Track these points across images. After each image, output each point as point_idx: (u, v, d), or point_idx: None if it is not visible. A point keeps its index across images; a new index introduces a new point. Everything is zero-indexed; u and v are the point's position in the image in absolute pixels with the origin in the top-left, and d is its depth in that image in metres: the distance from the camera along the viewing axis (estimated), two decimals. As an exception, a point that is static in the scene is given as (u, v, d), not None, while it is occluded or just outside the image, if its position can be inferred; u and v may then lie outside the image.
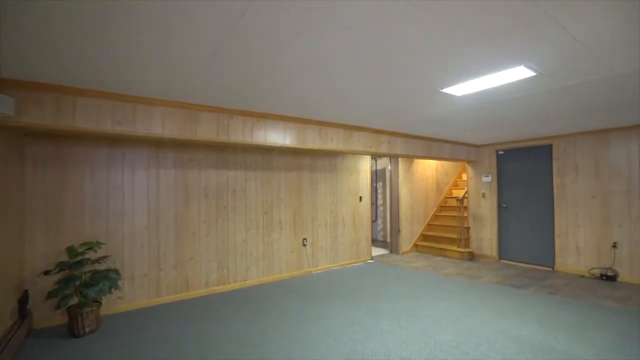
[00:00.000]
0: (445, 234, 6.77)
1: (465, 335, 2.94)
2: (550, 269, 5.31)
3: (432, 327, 3.14)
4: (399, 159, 6.55)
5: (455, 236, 6.41)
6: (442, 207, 7.45)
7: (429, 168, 7.24)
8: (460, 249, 6.13)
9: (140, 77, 2.43)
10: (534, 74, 2.36)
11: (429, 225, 7.15)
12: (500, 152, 6.05)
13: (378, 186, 8.44)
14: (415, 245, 6.86)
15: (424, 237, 7.00)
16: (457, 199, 6.33)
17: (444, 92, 2.78)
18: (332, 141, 4.11)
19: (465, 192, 6.57)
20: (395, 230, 6.61)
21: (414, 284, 4.51)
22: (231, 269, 4.32)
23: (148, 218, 3.74)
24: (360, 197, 5.85)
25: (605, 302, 3.74)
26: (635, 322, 3.18)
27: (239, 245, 4.40)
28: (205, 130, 3.33)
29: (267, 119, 3.63)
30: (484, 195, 6.26)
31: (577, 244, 5.06)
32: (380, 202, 8.37)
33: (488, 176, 6.17)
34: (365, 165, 5.95)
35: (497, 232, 6.04)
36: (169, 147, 3.88)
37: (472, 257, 6.11)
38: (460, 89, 2.70)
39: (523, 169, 5.74)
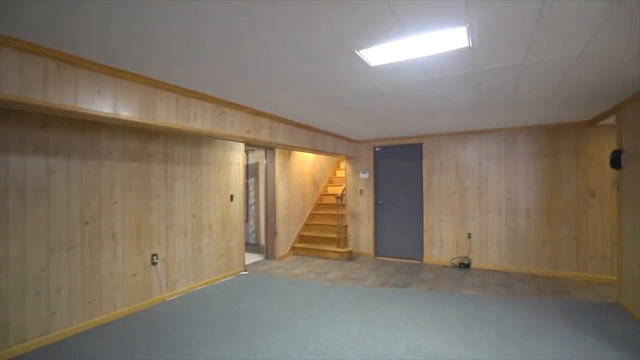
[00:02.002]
0: (323, 233, 6.40)
1: (373, 368, 2.37)
2: (419, 262, 5.55)
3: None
4: (276, 152, 5.77)
5: (333, 235, 6.10)
6: (319, 205, 7.10)
7: (306, 163, 6.74)
8: (339, 249, 5.83)
9: None
10: (467, 45, 1.92)
11: (306, 225, 6.67)
12: (377, 149, 6.05)
13: (250, 182, 7.47)
14: (293, 248, 6.24)
15: (301, 238, 6.45)
16: (336, 196, 6.03)
17: (359, 57, 2.09)
18: (197, 119, 2.93)
19: (344, 189, 6.36)
20: (272, 232, 5.82)
21: (299, 298, 3.79)
22: (13, 321, 2.58)
23: None
24: (232, 196, 4.78)
25: (470, 292, 3.92)
26: (501, 310, 3.33)
27: (32, 280, 2.69)
28: None
29: (79, 67, 2.17)
30: (361, 192, 6.16)
31: (441, 237, 5.41)
32: (252, 200, 7.42)
33: (366, 173, 6.09)
34: (238, 157, 4.90)
35: (373, 230, 6.02)
36: None
37: (351, 256, 5.90)
38: (378, 55, 2.06)
39: (398, 166, 5.86)
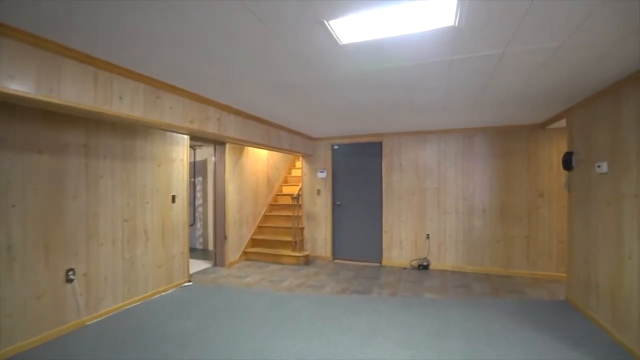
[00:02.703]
0: (278, 236, 5.98)
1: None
2: (378, 265, 5.38)
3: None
4: (226, 148, 5.23)
5: (289, 239, 5.71)
6: (274, 206, 6.66)
7: (259, 161, 6.26)
8: (295, 253, 5.46)
9: None
10: (452, 24, 1.67)
11: (260, 227, 6.19)
12: (336, 147, 5.78)
13: (197, 182, 6.79)
14: (245, 253, 5.74)
15: (254, 242, 5.96)
16: (292, 196, 5.65)
17: (328, 30, 1.74)
18: (123, 102, 2.36)
19: (300, 189, 5.99)
20: (221, 236, 5.26)
21: (252, 312, 3.35)
22: None
23: None
24: (174, 197, 4.17)
25: (432, 295, 3.80)
26: (464, 314, 3.22)
27: None
28: None
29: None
30: (319, 193, 5.85)
31: (400, 238, 5.30)
32: (200, 201, 6.76)
33: (323, 172, 5.78)
34: (181, 152, 4.29)
35: (331, 232, 5.74)
36: None
37: (308, 260, 5.56)
38: (350, 29, 1.73)
39: (356, 165, 5.64)
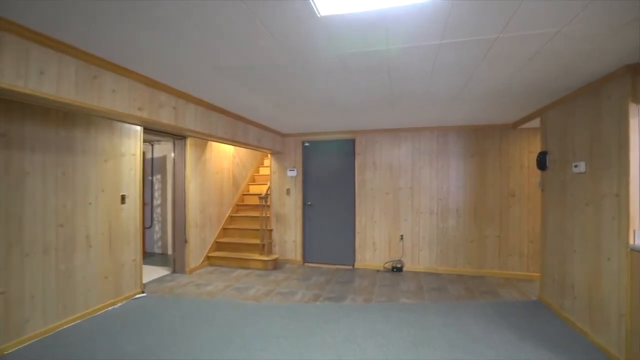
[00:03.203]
0: (244, 239, 5.57)
1: None
2: (351, 267, 5.15)
3: None
4: (187, 142, 4.75)
5: (257, 241, 5.33)
6: (240, 207, 6.23)
7: (225, 158, 5.82)
8: (263, 257, 5.09)
9: None
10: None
11: (225, 230, 5.75)
12: (306, 144, 5.48)
13: (156, 180, 6.22)
14: (209, 258, 5.28)
15: (219, 245, 5.51)
16: (260, 196, 5.27)
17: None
18: (46, 79, 1.89)
19: (268, 189, 5.63)
20: (181, 240, 4.78)
21: (215, 328, 2.96)
22: None
23: None
24: (123, 197, 3.66)
25: (408, 300, 3.62)
26: (443, 321, 3.06)
27: None
28: None
29: None
30: (288, 192, 5.52)
31: (373, 240, 5.10)
32: (158, 201, 6.19)
33: (293, 170, 5.46)
34: (134, 146, 3.78)
35: (301, 233, 5.43)
36: None
37: (276, 264, 5.21)
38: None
39: (328, 163, 5.38)
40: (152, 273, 4.71)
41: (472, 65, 2.37)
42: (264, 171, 7.03)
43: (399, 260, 4.96)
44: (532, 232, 4.52)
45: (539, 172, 4.48)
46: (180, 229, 4.77)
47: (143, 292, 3.82)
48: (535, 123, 4.25)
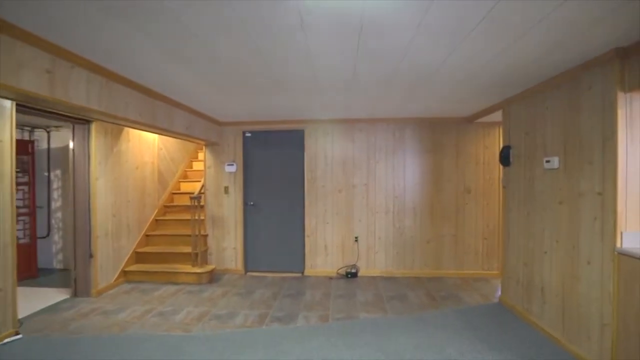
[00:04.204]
0: (174, 248, 4.65)
1: None
2: (300, 275, 4.57)
3: None
4: (93, 129, 3.71)
5: (188, 250, 4.46)
6: (168, 209, 5.25)
7: (147, 150, 4.79)
8: (196, 269, 4.25)
9: None
10: None
11: (148, 237, 4.75)
12: (248, 134, 4.73)
13: (55, 177, 4.94)
14: (125, 273, 4.26)
15: (139, 257, 4.51)
16: (191, 196, 4.40)
17: None
18: None
19: (202, 187, 4.76)
20: (84, 254, 3.72)
21: (119, 382, 2.14)
22: None
23: None
24: (-14, 202, 2.57)
25: (369, 315, 3.17)
26: (413, 341, 2.65)
27: None
28: None
29: None
30: (226, 191, 4.72)
31: (325, 243, 4.58)
32: (58, 203, 4.93)
33: (232, 165, 4.68)
34: (3, 129, 2.70)
35: (242, 238, 4.68)
36: None
37: (212, 277, 4.41)
38: None
39: (274, 157, 4.70)
40: (42, 299, 3.59)
41: (459, 36, 1.92)
42: (199, 166, 6.07)
43: (354, 265, 4.51)
44: (487, 230, 4.40)
45: (494, 168, 4.36)
46: (84, 239, 3.72)
47: (17, 334, 2.76)
48: (492, 117, 4.10)
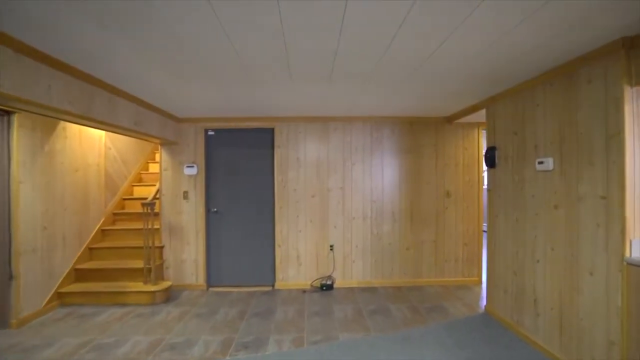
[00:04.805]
0: (122, 262, 4.02)
1: None
2: (271, 289, 4.12)
3: None
4: (15, 122, 3.05)
5: (140, 265, 3.86)
6: (118, 217, 4.59)
7: (91, 149, 4.13)
8: (149, 287, 3.67)
9: None
10: None
11: (92, 250, 4.07)
12: (211, 133, 4.22)
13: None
14: (60, 296, 3.58)
15: (80, 274, 3.84)
16: (143, 202, 3.81)
17: None
18: None
19: (157, 192, 4.18)
20: (2, 275, 3.03)
21: None
22: None
23: None
24: None
25: (350, 334, 2.81)
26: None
27: None
28: None
29: None
30: (186, 196, 4.17)
31: (298, 253, 4.17)
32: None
33: (193, 166, 4.14)
34: None
35: (204, 249, 4.15)
36: None
37: (169, 295, 3.84)
38: None
39: (240, 158, 4.22)
40: (-56, 334, 2.86)
41: (450, 28, 1.62)
42: (156, 168, 5.43)
43: (329, 276, 4.14)
44: (467, 235, 4.22)
45: (473, 170, 4.20)
46: (1, 258, 3.03)
47: None
48: (471, 118, 3.93)
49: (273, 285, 4.17)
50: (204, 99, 3.19)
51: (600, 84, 2.07)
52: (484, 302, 3.59)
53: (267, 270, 4.18)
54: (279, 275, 4.15)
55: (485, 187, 4.56)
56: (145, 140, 3.88)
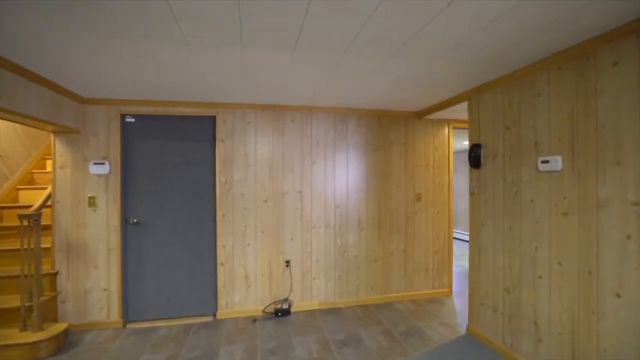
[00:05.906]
0: (-12, 298, 2.82)
1: None
2: (211, 319, 3.26)
3: None
4: None
5: (18, 302, 2.72)
6: (-13, 232, 3.31)
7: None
8: (29, 336, 2.57)
9: None
10: None
11: (-62, 283, 2.80)
12: (129, 119, 3.22)
13: None
14: None
15: None
16: (20, 213, 2.69)
17: None
18: None
19: (48, 198, 3.05)
20: None
21: None
22: None
23: None
24: None
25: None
26: None
27: None
28: None
29: None
30: (93, 203, 3.11)
31: (246, 272, 3.38)
32: None
33: (104, 164, 3.10)
34: None
35: (120, 273, 3.13)
36: None
37: (62, 342, 2.76)
38: None
39: (171, 153, 3.29)
40: None
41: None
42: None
43: (285, 299, 3.42)
44: (437, 242, 3.84)
45: (444, 171, 3.84)
46: None
47: None
48: (442, 114, 3.57)
49: (215, 315, 3.31)
50: (119, 67, 2.26)
51: (630, 65, 1.71)
52: (461, 318, 3.20)
53: (206, 296, 3.31)
54: (222, 301, 3.31)
55: (469, 190, 4.25)
56: (26, 124, 2.76)
